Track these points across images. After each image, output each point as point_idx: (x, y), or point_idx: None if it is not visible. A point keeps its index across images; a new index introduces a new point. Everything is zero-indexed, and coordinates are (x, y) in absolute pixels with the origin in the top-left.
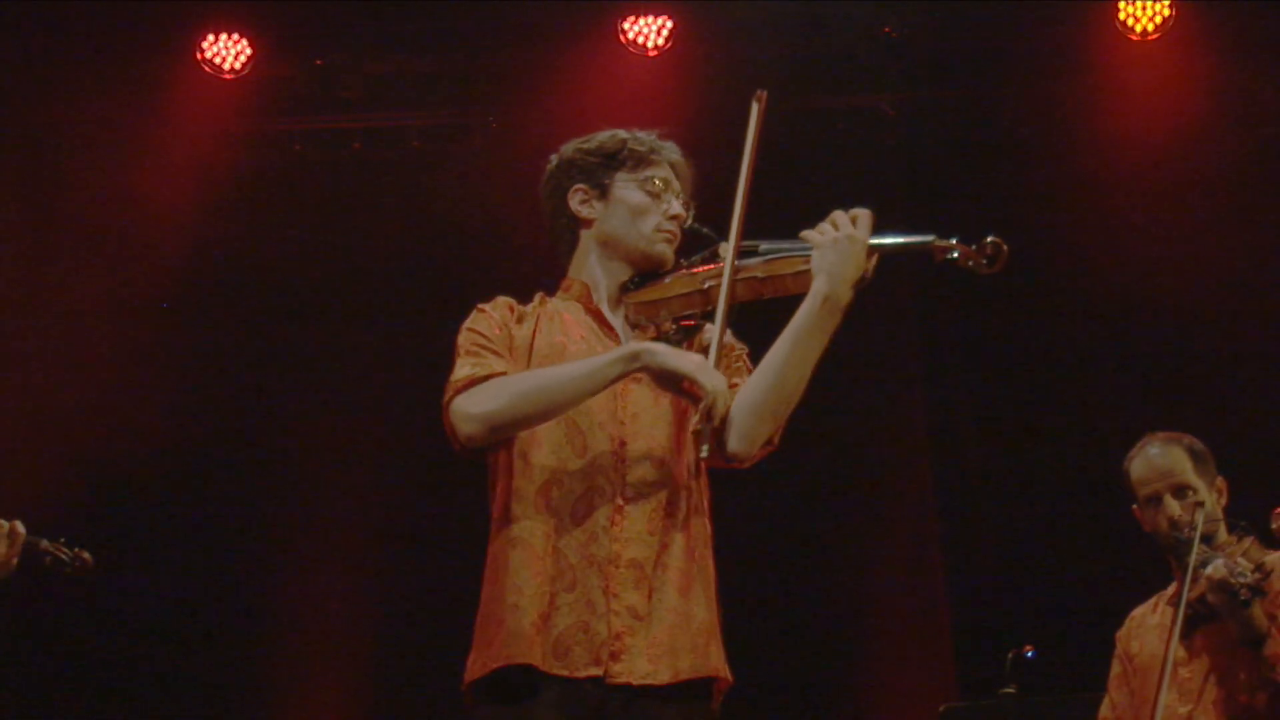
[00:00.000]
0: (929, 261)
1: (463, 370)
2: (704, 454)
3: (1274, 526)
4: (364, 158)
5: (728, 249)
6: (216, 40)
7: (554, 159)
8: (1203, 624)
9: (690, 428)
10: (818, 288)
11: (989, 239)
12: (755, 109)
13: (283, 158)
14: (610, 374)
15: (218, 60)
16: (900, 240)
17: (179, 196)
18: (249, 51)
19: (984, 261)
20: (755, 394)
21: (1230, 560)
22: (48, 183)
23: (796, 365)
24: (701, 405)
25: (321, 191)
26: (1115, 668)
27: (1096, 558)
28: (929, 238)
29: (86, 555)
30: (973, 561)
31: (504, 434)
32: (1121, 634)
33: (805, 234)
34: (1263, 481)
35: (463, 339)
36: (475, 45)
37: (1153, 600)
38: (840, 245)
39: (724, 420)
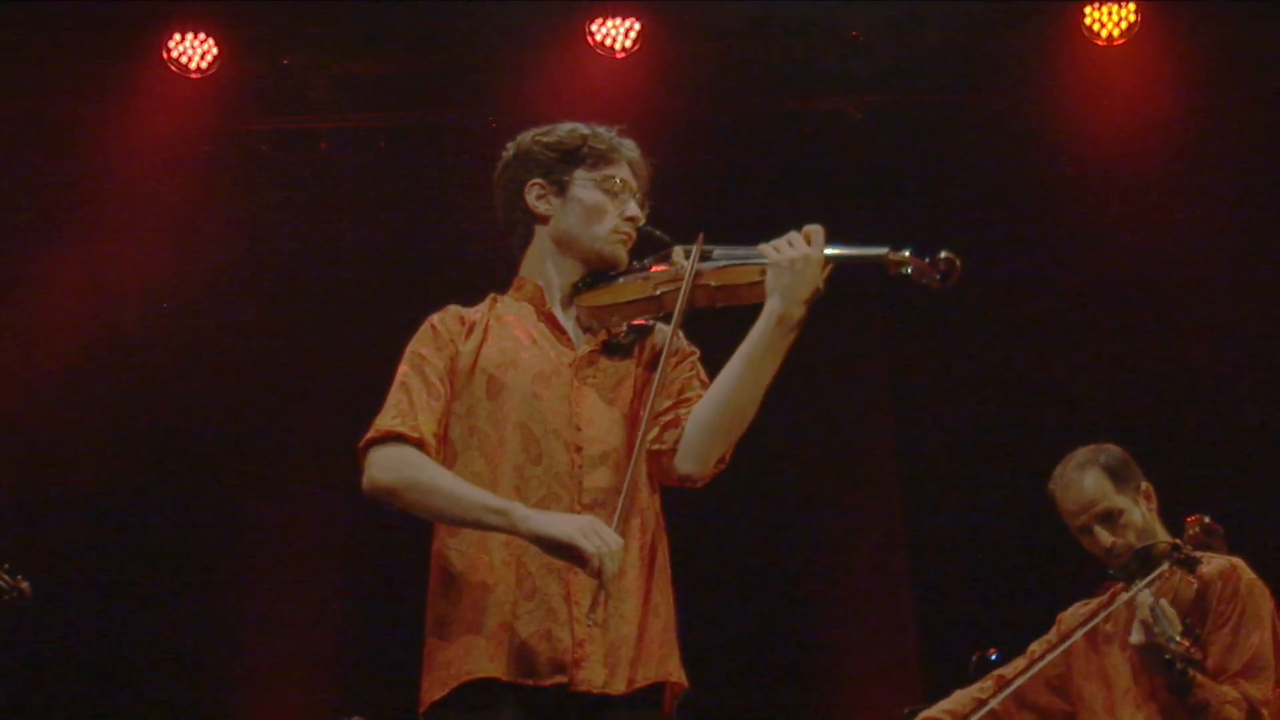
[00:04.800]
0: (883, 274)
1: (386, 417)
2: (591, 620)
3: (1188, 534)
4: (331, 158)
5: (681, 256)
6: (183, 40)
7: (510, 149)
8: None
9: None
10: (772, 308)
11: (942, 255)
12: (694, 250)
13: (249, 158)
14: (485, 521)
15: (184, 60)
16: (854, 252)
17: (144, 197)
18: (215, 51)
19: (937, 277)
20: (709, 414)
21: (1155, 622)
22: (9, 182)
23: (750, 385)
24: (588, 570)
25: (288, 192)
26: (1045, 649)
27: (1061, 562)
28: (883, 250)
29: (25, 585)
30: (937, 564)
31: (388, 504)
32: (1066, 615)
33: (762, 248)
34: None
35: (403, 363)
36: (442, 46)
37: (1104, 599)
38: (796, 266)
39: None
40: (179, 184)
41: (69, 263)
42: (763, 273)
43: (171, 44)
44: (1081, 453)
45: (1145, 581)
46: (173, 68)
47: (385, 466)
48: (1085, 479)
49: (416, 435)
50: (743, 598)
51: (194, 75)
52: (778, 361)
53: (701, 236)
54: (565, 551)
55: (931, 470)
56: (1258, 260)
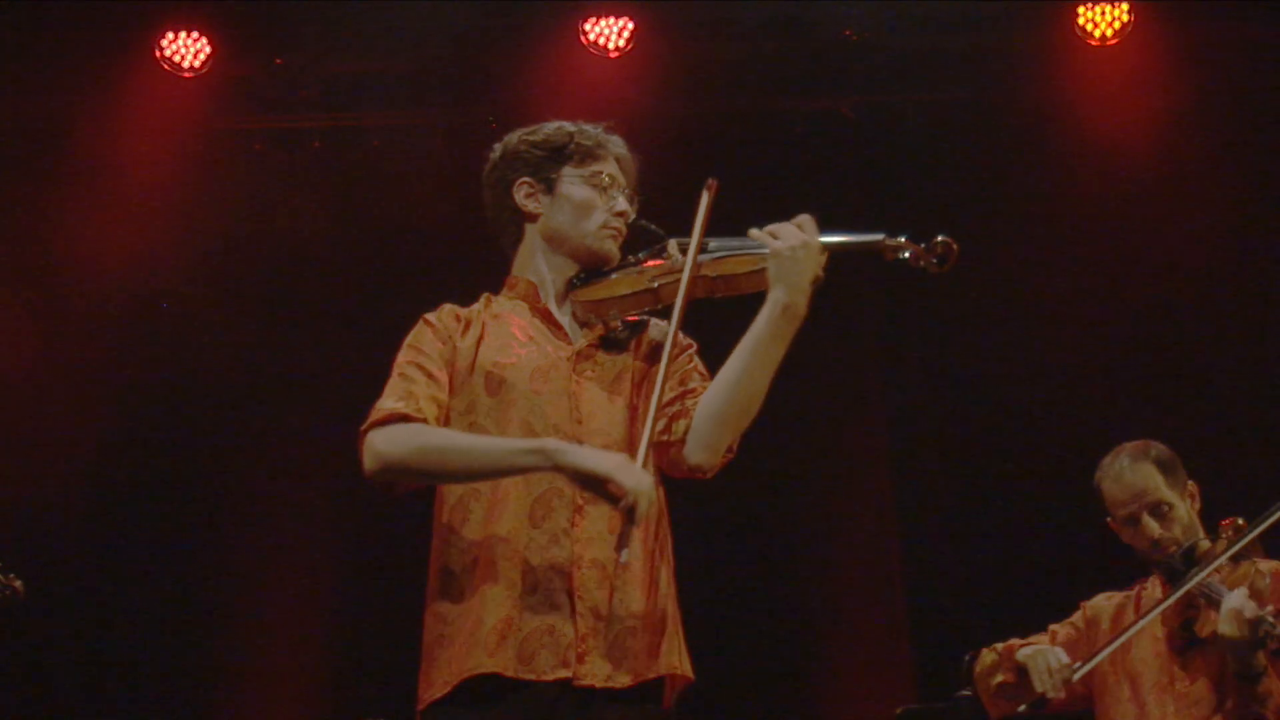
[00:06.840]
0: (880, 261)
1: (387, 401)
2: (623, 559)
3: (1223, 537)
4: (323, 157)
5: (676, 249)
6: (175, 38)
7: (498, 149)
8: (1199, 646)
9: (615, 528)
10: (776, 297)
11: (939, 239)
12: (705, 197)
13: (242, 157)
14: (519, 464)
15: (177, 59)
16: (851, 239)
17: (136, 195)
18: (208, 50)
19: (934, 261)
20: (717, 404)
21: (1248, 602)
22: (2, 180)
23: (757, 374)
24: (621, 505)
25: (281, 191)
26: (1069, 631)
27: (1056, 560)
28: (879, 236)
29: (18, 583)
30: (931, 563)
31: (401, 480)
32: (1090, 603)
33: (754, 233)
34: (1228, 488)
35: (401, 356)
36: (435, 45)
37: (1132, 594)
38: (796, 253)
39: (644, 520)
40: (171, 183)
41: (61, 262)
42: (761, 262)
43: (164, 43)
44: (1131, 446)
45: (1216, 564)
46: (165, 66)
47: (393, 441)
48: (1138, 470)
49: (421, 415)
50: (736, 595)
51: (187, 74)
52: (783, 350)
53: (714, 184)
54: (601, 486)
55: (924, 466)
56: (1252, 259)
